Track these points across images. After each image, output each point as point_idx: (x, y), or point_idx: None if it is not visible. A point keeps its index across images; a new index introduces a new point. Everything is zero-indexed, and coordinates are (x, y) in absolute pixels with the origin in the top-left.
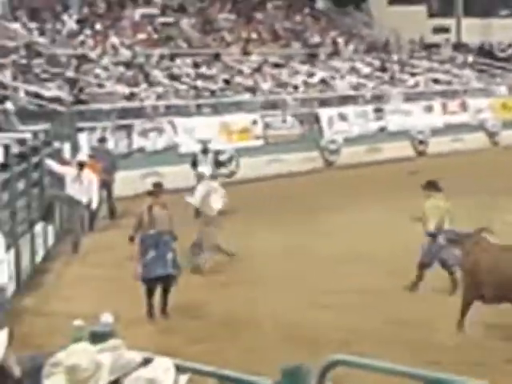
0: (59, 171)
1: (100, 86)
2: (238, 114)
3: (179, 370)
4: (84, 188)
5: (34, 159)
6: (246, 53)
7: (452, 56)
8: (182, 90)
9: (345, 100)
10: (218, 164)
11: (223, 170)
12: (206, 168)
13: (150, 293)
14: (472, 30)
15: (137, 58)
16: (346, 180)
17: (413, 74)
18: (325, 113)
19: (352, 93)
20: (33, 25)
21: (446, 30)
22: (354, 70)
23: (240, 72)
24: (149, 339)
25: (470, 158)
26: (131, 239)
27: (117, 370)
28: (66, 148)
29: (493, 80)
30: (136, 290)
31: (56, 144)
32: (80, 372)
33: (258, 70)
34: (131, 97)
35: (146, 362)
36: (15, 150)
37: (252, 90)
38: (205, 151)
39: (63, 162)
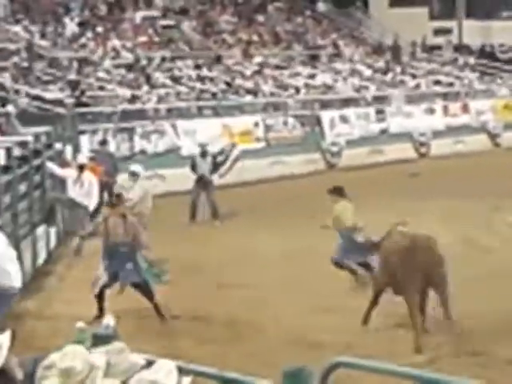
0: (60, 174)
1: (101, 88)
2: (239, 116)
3: (182, 372)
4: (85, 190)
5: (36, 162)
6: (247, 55)
7: (453, 58)
8: (184, 93)
9: (346, 102)
10: (216, 166)
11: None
12: (206, 171)
13: (99, 298)
14: (473, 32)
15: (138, 61)
16: (348, 182)
17: (414, 76)
18: (326, 115)
19: (353, 95)
20: (34, 27)
21: (447, 31)
22: (355, 72)
23: (241, 74)
24: (151, 342)
25: (472, 159)
26: None
27: (121, 373)
28: (68, 150)
29: (494, 82)
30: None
31: (58, 146)
32: (74, 375)
33: (259, 72)
34: (133, 99)
35: (149, 364)
36: (17, 152)
37: (253, 92)
38: (203, 154)
39: (65, 165)
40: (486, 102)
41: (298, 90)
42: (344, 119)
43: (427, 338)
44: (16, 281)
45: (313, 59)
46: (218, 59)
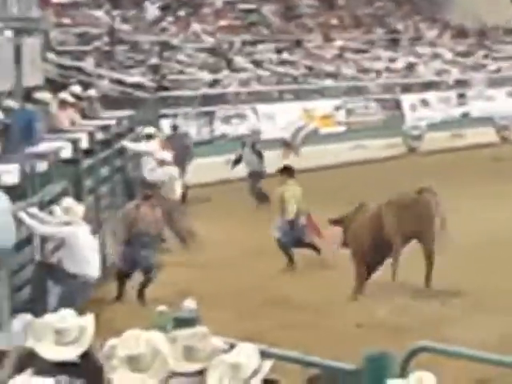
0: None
1: (182, 72)
2: (320, 100)
3: (263, 355)
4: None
5: (118, 145)
6: (327, 39)
7: None
8: (264, 77)
9: (427, 86)
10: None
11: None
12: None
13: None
14: None
15: (219, 45)
16: (429, 166)
17: (496, 59)
18: (407, 99)
19: (435, 78)
20: (116, 12)
21: None
22: (436, 56)
23: (322, 58)
24: (231, 325)
25: None
26: None
27: (204, 358)
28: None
29: None
30: (219, 275)
31: (139, 130)
32: (139, 361)
33: (339, 55)
34: (213, 83)
35: (230, 347)
36: (99, 136)
37: (334, 76)
38: (253, 147)
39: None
40: None
41: (378, 74)
42: (425, 103)
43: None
44: (95, 269)
45: (393, 43)
46: (299, 43)
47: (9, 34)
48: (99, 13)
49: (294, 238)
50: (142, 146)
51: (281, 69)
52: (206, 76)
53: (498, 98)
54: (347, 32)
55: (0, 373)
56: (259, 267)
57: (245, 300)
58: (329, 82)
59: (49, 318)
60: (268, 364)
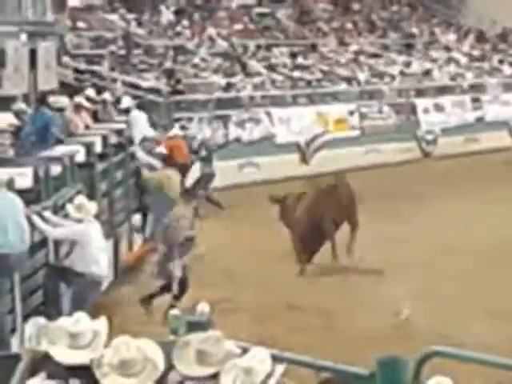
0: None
1: (197, 76)
2: (334, 104)
3: (275, 359)
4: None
5: (131, 149)
6: (342, 43)
7: None
8: (279, 81)
9: (442, 90)
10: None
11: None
12: None
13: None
14: None
15: (233, 49)
16: (443, 170)
17: (511, 64)
18: (421, 103)
19: (449, 83)
20: (130, 16)
21: None
22: (451, 60)
23: (336, 62)
24: (244, 329)
25: None
26: None
27: (217, 362)
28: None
29: None
30: (233, 279)
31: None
32: (130, 367)
33: (354, 60)
34: (228, 87)
35: (243, 351)
36: (113, 140)
37: (348, 80)
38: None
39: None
40: None
41: (393, 78)
42: (439, 107)
43: None
44: (104, 269)
45: (408, 47)
46: (314, 47)
47: (24, 37)
48: (114, 17)
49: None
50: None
51: (295, 73)
52: (221, 80)
53: None
54: (362, 36)
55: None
56: (273, 271)
57: (258, 304)
58: (343, 87)
59: (62, 322)
60: (280, 368)
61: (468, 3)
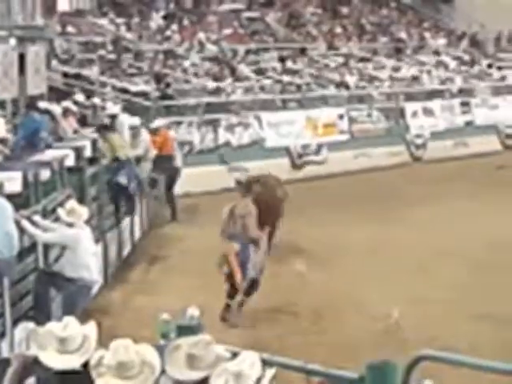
0: None
1: (186, 81)
2: (323, 108)
3: (265, 363)
4: None
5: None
6: (331, 47)
7: None
8: (268, 85)
9: (431, 94)
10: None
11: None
12: None
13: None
14: None
15: (223, 53)
16: (433, 174)
17: (500, 68)
18: (411, 107)
19: (438, 87)
20: (120, 20)
21: None
22: (440, 64)
23: (326, 66)
24: (235, 333)
25: None
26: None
27: (206, 366)
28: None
29: None
30: (221, 284)
31: None
32: (127, 369)
33: (343, 64)
34: (217, 91)
35: (233, 355)
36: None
37: (338, 84)
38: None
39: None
40: None
41: (382, 82)
42: (429, 111)
43: None
44: (95, 274)
45: (398, 51)
46: (303, 51)
47: (13, 42)
48: (103, 21)
49: None
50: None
51: (285, 77)
52: (210, 84)
53: (502, 107)
54: (351, 40)
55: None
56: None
57: (248, 308)
58: (332, 91)
59: (52, 327)
60: (271, 372)
61: (457, 7)
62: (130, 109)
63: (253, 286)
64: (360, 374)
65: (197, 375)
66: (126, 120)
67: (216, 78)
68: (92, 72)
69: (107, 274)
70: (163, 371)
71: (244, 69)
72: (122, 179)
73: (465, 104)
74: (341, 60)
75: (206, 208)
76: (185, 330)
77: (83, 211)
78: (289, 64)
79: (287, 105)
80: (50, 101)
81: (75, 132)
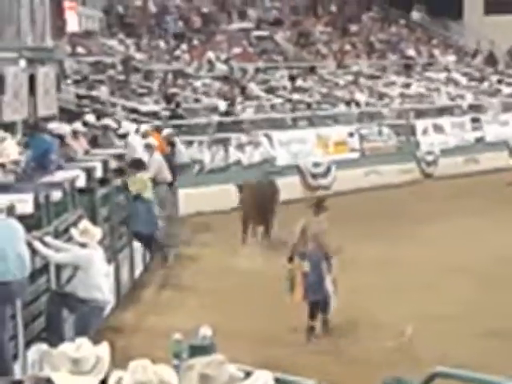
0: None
1: (197, 100)
2: (334, 126)
3: (279, 382)
4: None
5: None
6: (341, 65)
7: None
8: (278, 103)
9: (441, 111)
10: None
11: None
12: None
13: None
14: None
15: (233, 72)
16: (444, 191)
17: (510, 84)
18: (421, 124)
19: (449, 103)
20: (129, 41)
21: None
22: (450, 81)
23: (336, 84)
24: (249, 352)
25: None
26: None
27: None
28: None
29: None
30: (234, 303)
31: None
32: None
33: (353, 82)
34: (227, 110)
35: (247, 375)
36: (113, 165)
37: (348, 102)
38: None
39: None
40: None
41: (392, 100)
42: (439, 128)
43: None
44: (107, 295)
45: (407, 68)
46: (313, 69)
47: (23, 63)
48: (113, 42)
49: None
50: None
51: (295, 95)
52: (220, 103)
53: None
54: (361, 58)
55: None
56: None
57: (261, 327)
58: (342, 109)
59: (65, 348)
60: None
61: (466, 24)
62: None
63: (324, 307)
64: None
65: None
66: (139, 140)
67: (226, 97)
68: (102, 92)
69: (119, 295)
70: None
71: (254, 87)
72: (142, 228)
73: (475, 120)
74: (350, 78)
75: (217, 227)
76: (197, 350)
77: (96, 232)
78: (299, 82)
79: (297, 123)
80: (61, 122)
81: (86, 153)
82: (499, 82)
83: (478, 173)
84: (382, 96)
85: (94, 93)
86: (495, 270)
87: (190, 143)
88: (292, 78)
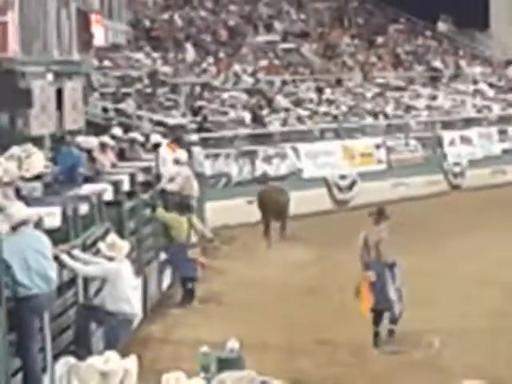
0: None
1: (223, 113)
2: (360, 138)
3: None
4: None
5: (159, 187)
6: (367, 77)
7: None
8: (305, 116)
9: (468, 122)
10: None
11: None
12: None
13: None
14: None
15: (259, 85)
16: (471, 203)
17: None
18: (448, 135)
19: (475, 115)
20: (156, 54)
21: None
22: (477, 92)
23: (362, 96)
24: (276, 364)
25: None
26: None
27: None
28: None
29: None
30: (261, 315)
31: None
32: None
33: (380, 94)
34: (254, 123)
35: None
36: (140, 178)
37: (374, 114)
38: None
39: None
40: None
41: (419, 111)
42: (466, 140)
43: None
44: (135, 308)
45: (434, 80)
46: (339, 82)
47: (50, 77)
48: (139, 55)
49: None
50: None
51: (321, 108)
52: (247, 116)
53: None
54: (387, 70)
55: None
56: (301, 306)
57: (287, 339)
58: (369, 120)
59: (93, 361)
60: None
61: (492, 35)
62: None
63: (392, 318)
64: None
65: None
66: (168, 154)
67: (253, 110)
68: (129, 106)
69: (147, 307)
70: None
71: (281, 100)
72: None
73: (502, 132)
74: (377, 89)
75: (244, 240)
76: (225, 363)
77: (124, 245)
78: (325, 94)
79: (324, 135)
80: (88, 135)
81: (113, 166)
82: None
83: (506, 184)
84: (408, 108)
85: (120, 106)
86: None
87: (216, 156)
88: (319, 90)
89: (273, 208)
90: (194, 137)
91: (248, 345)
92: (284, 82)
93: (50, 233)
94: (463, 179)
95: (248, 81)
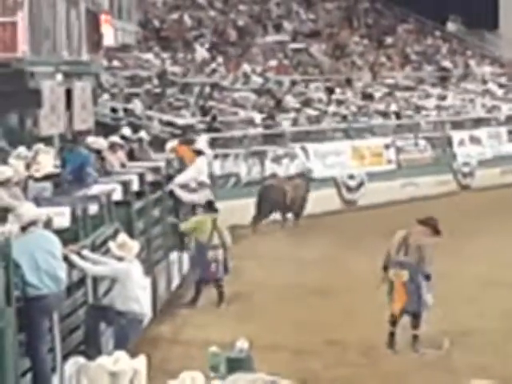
0: (187, 199)
1: (233, 113)
2: (370, 138)
3: None
4: None
5: (168, 187)
6: (377, 77)
7: None
8: (314, 116)
9: (478, 122)
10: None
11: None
12: None
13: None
14: None
15: (268, 85)
16: (481, 203)
17: None
18: (457, 135)
19: (485, 115)
20: (165, 54)
21: None
22: (486, 92)
23: (371, 96)
24: (285, 364)
25: None
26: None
27: None
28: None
29: None
30: (270, 315)
31: None
32: None
33: (389, 94)
34: (263, 123)
35: None
36: (150, 178)
37: (384, 114)
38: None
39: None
40: None
41: (428, 111)
42: (475, 140)
43: None
44: (145, 308)
45: (443, 80)
46: (348, 82)
47: (60, 77)
48: (149, 55)
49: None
50: (191, 196)
51: (331, 108)
52: (256, 116)
53: None
54: (396, 70)
55: None
56: (310, 306)
57: (297, 340)
58: (378, 120)
59: (103, 361)
60: None
61: (502, 35)
62: None
63: (415, 321)
64: None
65: None
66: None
67: (262, 110)
68: (138, 106)
69: (156, 307)
70: None
71: (290, 100)
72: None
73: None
74: (386, 89)
75: (253, 240)
76: (235, 363)
77: (134, 245)
78: (334, 94)
79: (333, 135)
80: (97, 135)
81: (122, 166)
82: None
83: None
84: (417, 108)
85: (130, 106)
86: None
87: (225, 156)
88: (328, 90)
89: (278, 201)
90: (204, 137)
91: (257, 345)
92: (293, 82)
93: (59, 233)
94: (472, 179)
95: (257, 81)
